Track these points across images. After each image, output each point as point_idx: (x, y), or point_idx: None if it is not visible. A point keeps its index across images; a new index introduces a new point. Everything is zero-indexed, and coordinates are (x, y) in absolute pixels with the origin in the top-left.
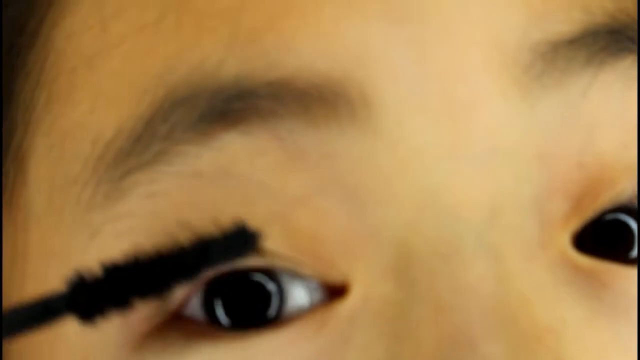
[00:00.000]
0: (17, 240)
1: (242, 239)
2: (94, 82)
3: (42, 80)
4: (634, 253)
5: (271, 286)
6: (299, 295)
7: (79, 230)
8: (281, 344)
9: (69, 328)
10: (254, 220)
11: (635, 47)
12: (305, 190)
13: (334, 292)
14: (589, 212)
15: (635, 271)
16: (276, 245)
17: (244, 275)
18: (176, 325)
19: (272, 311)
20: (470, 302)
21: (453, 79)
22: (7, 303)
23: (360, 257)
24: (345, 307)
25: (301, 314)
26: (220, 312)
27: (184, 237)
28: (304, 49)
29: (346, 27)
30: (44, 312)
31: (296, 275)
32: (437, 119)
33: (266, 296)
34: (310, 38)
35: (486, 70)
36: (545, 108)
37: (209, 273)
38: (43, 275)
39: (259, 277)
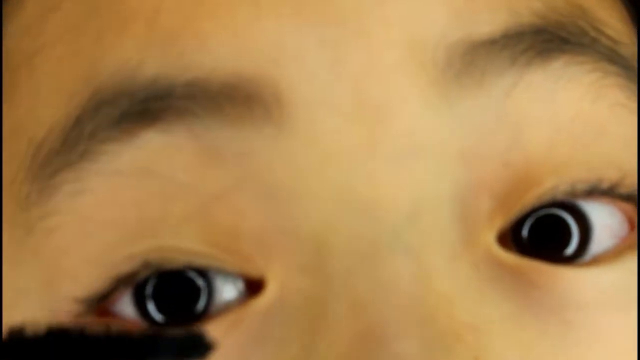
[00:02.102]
0: None
1: (195, 345)
2: (32, 83)
3: None
4: (570, 250)
5: (200, 282)
6: (226, 291)
7: (17, 227)
8: None
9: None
10: (172, 217)
11: (571, 47)
12: (222, 188)
13: (256, 287)
14: (515, 210)
15: (570, 270)
16: (195, 242)
17: (175, 271)
18: (103, 322)
19: (200, 306)
20: (387, 299)
21: (367, 80)
22: None
23: (276, 253)
24: (261, 303)
25: (225, 310)
26: (151, 307)
27: (107, 235)
28: (219, 49)
29: (260, 27)
30: None
31: (220, 271)
32: (351, 119)
33: (196, 291)
34: (225, 38)
35: (402, 70)
36: (466, 108)
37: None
38: None
39: (190, 273)
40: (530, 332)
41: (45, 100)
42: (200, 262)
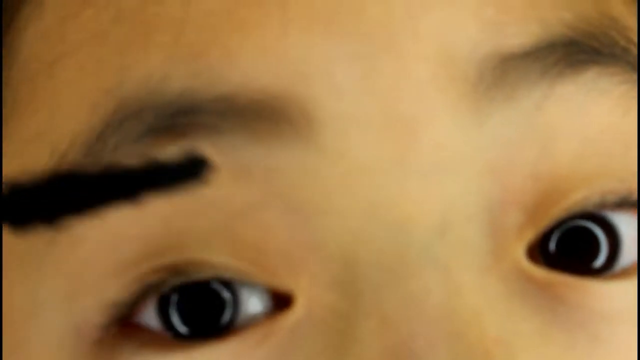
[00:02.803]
0: None
1: (191, 167)
2: (52, 91)
3: (8, 86)
4: (599, 263)
5: (226, 294)
6: (252, 304)
7: (37, 238)
8: (228, 355)
9: (30, 336)
10: (199, 231)
11: (603, 58)
12: (249, 204)
13: (284, 302)
14: (544, 223)
15: (599, 283)
16: (222, 257)
17: (200, 282)
18: (129, 334)
19: (225, 319)
20: (416, 314)
21: (398, 95)
22: None
23: (304, 269)
24: (289, 319)
25: (251, 323)
26: (175, 319)
27: (133, 249)
28: (247, 65)
29: (289, 42)
30: None
31: (247, 284)
32: (381, 134)
33: (221, 303)
34: (253, 53)
35: (433, 85)
36: (496, 122)
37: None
38: None
39: (215, 285)
40: (558, 347)
41: (67, 111)
42: (227, 275)
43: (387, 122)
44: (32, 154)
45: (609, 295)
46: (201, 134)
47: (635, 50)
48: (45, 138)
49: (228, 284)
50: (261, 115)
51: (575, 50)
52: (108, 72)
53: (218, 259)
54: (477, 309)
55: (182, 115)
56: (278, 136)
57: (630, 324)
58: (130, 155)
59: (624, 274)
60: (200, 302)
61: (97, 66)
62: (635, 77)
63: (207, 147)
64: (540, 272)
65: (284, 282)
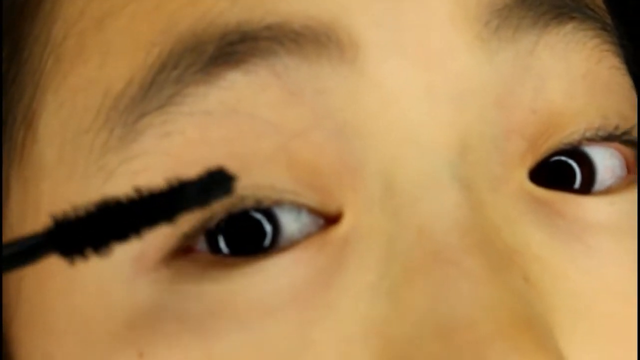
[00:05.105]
0: (27, 195)
1: (218, 182)
2: (102, 41)
3: (51, 43)
4: (576, 185)
5: (267, 226)
6: (292, 229)
7: (93, 176)
8: (286, 264)
9: (83, 267)
10: (261, 153)
11: (578, 14)
12: (302, 125)
13: (330, 223)
14: (543, 151)
15: (588, 197)
16: (281, 178)
17: (243, 214)
18: (187, 256)
19: (267, 242)
20: (450, 225)
21: (425, 30)
22: None
23: (350, 187)
24: (339, 232)
25: (296, 242)
26: (222, 246)
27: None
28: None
29: None
30: (28, 249)
31: (296, 207)
32: (412, 63)
33: (262, 232)
34: None
35: (452, 24)
36: (501, 59)
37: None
38: None
39: (257, 216)
40: (561, 256)
41: (119, 56)
42: (289, 198)
43: (416, 53)
44: (83, 99)
45: (597, 208)
46: (257, 58)
47: (600, 13)
48: (97, 83)
49: (270, 215)
50: (313, 38)
51: (559, 5)
52: (161, 16)
53: (279, 182)
54: (496, 223)
55: (240, 42)
56: (327, 58)
57: (615, 234)
58: (192, 83)
59: (604, 192)
60: (241, 229)
61: (149, 13)
62: (605, 36)
63: (262, 70)
64: (541, 192)
65: (334, 201)
